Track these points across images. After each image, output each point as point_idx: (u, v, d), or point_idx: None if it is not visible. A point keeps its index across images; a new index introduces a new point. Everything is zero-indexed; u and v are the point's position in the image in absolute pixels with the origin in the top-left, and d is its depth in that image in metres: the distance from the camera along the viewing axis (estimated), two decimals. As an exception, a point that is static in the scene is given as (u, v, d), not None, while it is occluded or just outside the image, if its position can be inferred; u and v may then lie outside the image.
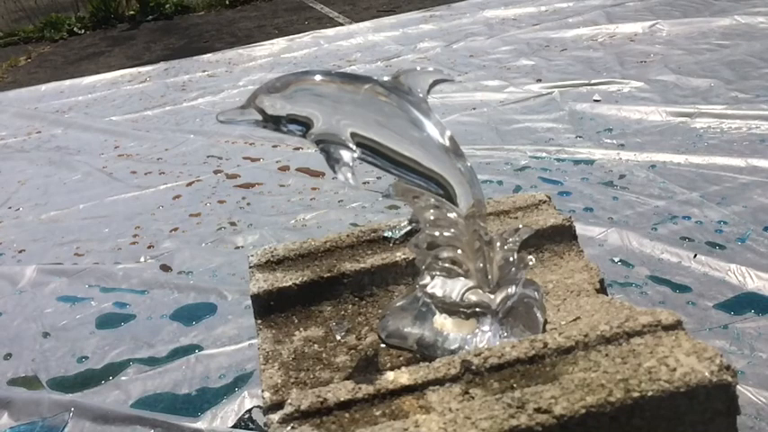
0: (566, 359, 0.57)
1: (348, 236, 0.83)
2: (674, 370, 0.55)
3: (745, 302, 0.98)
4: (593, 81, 1.96)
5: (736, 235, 1.14)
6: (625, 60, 2.12)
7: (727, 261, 1.07)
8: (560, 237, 0.82)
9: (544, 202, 0.87)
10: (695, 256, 1.09)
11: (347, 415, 0.56)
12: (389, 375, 0.59)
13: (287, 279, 0.76)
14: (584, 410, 0.52)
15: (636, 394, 0.53)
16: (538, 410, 0.52)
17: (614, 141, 1.58)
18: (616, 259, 1.12)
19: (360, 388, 0.58)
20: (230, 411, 0.90)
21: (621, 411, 0.53)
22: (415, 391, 0.57)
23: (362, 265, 0.78)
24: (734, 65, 1.93)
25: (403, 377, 0.58)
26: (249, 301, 0.78)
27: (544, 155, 1.55)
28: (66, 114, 2.40)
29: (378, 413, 0.56)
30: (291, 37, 3.11)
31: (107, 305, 1.19)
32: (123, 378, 1.00)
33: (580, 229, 1.19)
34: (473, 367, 0.58)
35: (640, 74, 1.98)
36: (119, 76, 2.84)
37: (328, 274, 0.77)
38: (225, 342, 1.05)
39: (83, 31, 4.00)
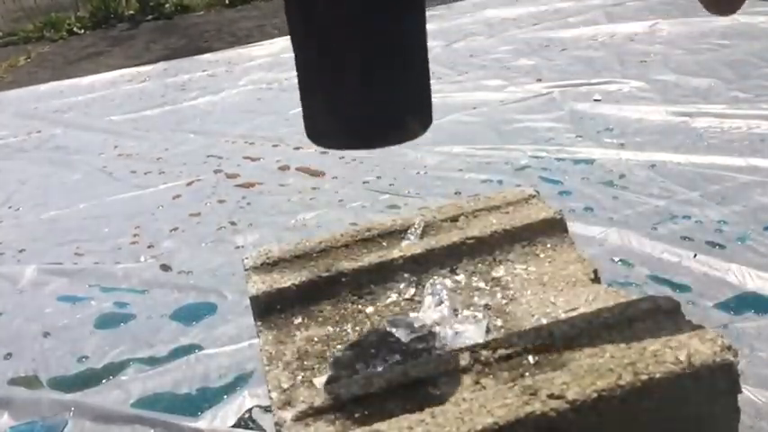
0: (572, 347, 0.59)
1: (342, 235, 0.83)
2: (679, 352, 0.56)
3: (744, 302, 0.98)
4: (593, 81, 1.96)
5: (737, 234, 1.14)
6: (625, 60, 2.11)
7: (727, 261, 1.07)
8: (552, 230, 0.83)
9: (533, 196, 0.88)
10: (695, 255, 1.09)
11: (361, 409, 0.56)
12: (399, 369, 0.59)
13: (285, 280, 0.76)
14: (595, 394, 0.53)
15: (644, 377, 0.54)
16: (551, 396, 0.53)
17: (614, 141, 1.58)
18: (616, 259, 1.12)
19: (372, 383, 0.58)
20: (230, 411, 0.90)
21: (631, 394, 0.54)
22: (426, 383, 0.58)
23: (360, 264, 0.78)
24: (734, 64, 1.93)
25: (413, 370, 0.59)
26: (249, 302, 0.78)
27: (544, 154, 1.55)
28: (65, 114, 2.40)
29: (391, 406, 0.56)
30: (291, 37, 3.11)
31: (107, 305, 1.19)
32: (123, 378, 1.01)
33: (580, 228, 1.20)
34: (482, 358, 0.58)
35: (640, 73, 1.97)
36: (118, 76, 2.83)
37: (326, 274, 0.77)
38: (225, 342, 1.05)
39: (82, 30, 3.99)
